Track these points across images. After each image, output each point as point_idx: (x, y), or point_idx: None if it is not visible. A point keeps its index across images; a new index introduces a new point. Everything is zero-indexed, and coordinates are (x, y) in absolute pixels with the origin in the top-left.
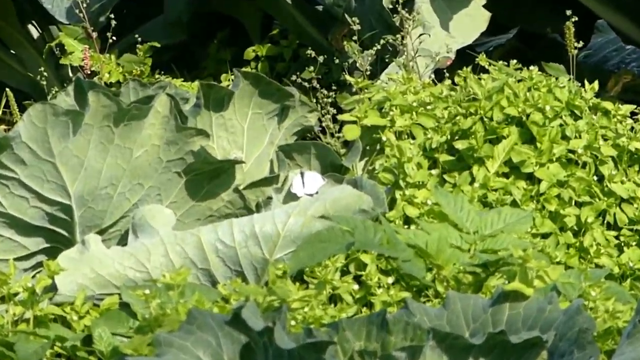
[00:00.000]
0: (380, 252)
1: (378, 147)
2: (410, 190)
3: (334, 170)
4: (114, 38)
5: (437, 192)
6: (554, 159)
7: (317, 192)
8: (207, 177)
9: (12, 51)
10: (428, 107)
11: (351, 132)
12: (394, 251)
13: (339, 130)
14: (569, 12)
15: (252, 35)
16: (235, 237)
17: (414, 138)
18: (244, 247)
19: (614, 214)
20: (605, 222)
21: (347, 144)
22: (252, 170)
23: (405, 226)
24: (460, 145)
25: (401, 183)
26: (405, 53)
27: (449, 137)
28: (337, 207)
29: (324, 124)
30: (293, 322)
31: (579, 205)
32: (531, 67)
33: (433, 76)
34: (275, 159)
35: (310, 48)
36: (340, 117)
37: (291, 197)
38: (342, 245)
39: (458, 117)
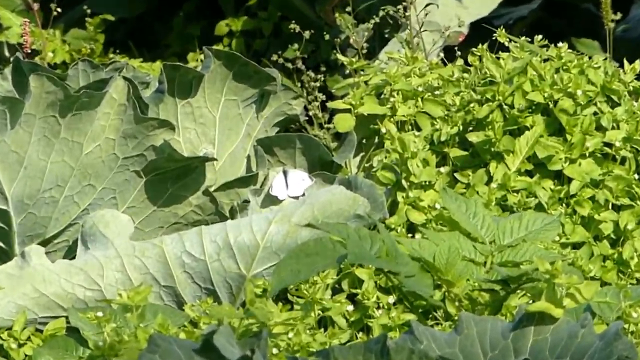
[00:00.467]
0: (379, 267)
1: (376, 140)
2: (415, 191)
3: (323, 168)
4: (59, 10)
5: (447, 194)
6: (587, 154)
7: (303, 195)
8: (171, 177)
9: None
10: (436, 92)
11: (344, 123)
12: (396, 265)
13: (329, 121)
14: None
15: (225, 6)
16: (206, 249)
17: (419, 129)
18: (215, 260)
19: None
20: None
21: (339, 136)
22: (225, 168)
23: (409, 235)
24: (474, 137)
25: (404, 183)
26: (409, 27)
27: (461, 128)
28: (327, 212)
29: (311, 113)
30: (275, 350)
31: (617, 209)
32: (559, 44)
33: (442, 55)
34: (253, 154)
35: (294, 22)
36: (330, 104)
37: (272, 200)
38: (333, 259)
39: (472, 104)
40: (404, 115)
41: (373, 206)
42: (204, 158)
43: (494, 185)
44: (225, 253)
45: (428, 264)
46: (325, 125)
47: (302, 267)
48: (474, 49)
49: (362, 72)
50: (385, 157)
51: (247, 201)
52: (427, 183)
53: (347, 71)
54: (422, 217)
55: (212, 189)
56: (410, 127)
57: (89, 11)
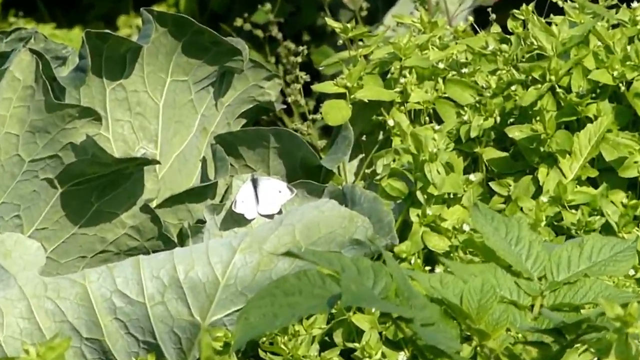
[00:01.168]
0: (385, 311)
1: (380, 136)
2: (435, 208)
3: (307, 175)
4: None
5: (479, 211)
6: None
7: (279, 212)
8: (97, 188)
9: None
10: (463, 70)
11: (336, 113)
12: (408, 309)
13: (316, 110)
14: None
15: None
16: (145, 287)
17: (440, 122)
18: (159, 303)
19: None
20: None
21: (329, 132)
22: (172, 175)
23: (427, 268)
24: (517, 133)
25: (419, 196)
26: None
27: (498, 119)
28: (314, 236)
29: (290, 99)
30: None
31: None
32: (634, 4)
33: (471, 19)
34: (211, 157)
35: None
36: (317, 87)
37: (237, 220)
38: (323, 300)
39: (514, 87)
40: (419, 103)
41: (377, 228)
42: (143, 161)
43: (544, 198)
44: (172, 293)
45: (453, 307)
46: (310, 117)
47: (278, 311)
48: (515, 10)
49: (360, 43)
50: (394, 161)
51: (201, 221)
52: (452, 196)
53: (340, 41)
54: (444, 243)
55: (153, 205)
56: (427, 119)
57: None
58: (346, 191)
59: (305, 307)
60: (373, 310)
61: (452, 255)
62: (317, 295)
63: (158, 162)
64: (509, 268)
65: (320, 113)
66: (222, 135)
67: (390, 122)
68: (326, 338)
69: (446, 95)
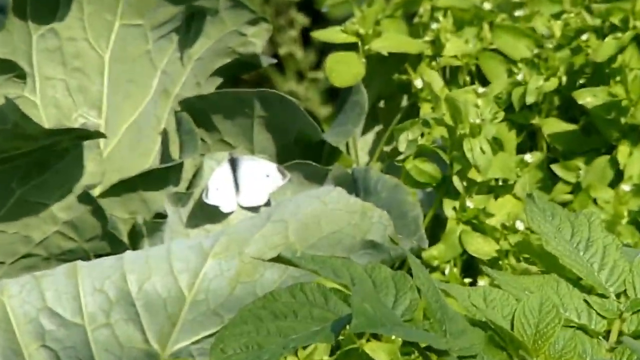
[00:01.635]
0: (410, 339)
1: (404, 102)
2: (478, 199)
3: (305, 154)
4: None
5: (536, 204)
6: None
7: (267, 203)
8: (20, 170)
9: None
10: (517, 12)
11: (344, 70)
12: (441, 336)
13: (317, 66)
14: None
15: None
16: (85, 304)
17: (485, 83)
18: (103, 325)
19: None
20: None
21: (334, 95)
22: (121, 153)
23: (467, 280)
24: (589, 99)
25: (457, 183)
26: None
27: (564, 80)
28: (313, 236)
29: (282, 52)
30: None
31: None
32: None
33: None
34: (174, 128)
35: None
36: (319, 34)
37: (209, 214)
38: (325, 325)
39: (585, 36)
40: (456, 57)
41: (399, 225)
42: (82, 133)
43: (625, 187)
44: (120, 312)
45: (502, 333)
46: (310, 75)
47: (265, 340)
48: None
49: None
50: (422, 135)
51: (161, 215)
52: (501, 183)
53: None
54: (490, 246)
55: (96, 193)
56: (468, 79)
57: None
58: (357, 176)
59: (301, 335)
60: (393, 337)
61: (500, 263)
62: (317, 318)
63: (103, 136)
64: (577, 281)
65: (323, 70)
66: (190, 100)
67: (418, 83)
68: None
69: (494, 46)
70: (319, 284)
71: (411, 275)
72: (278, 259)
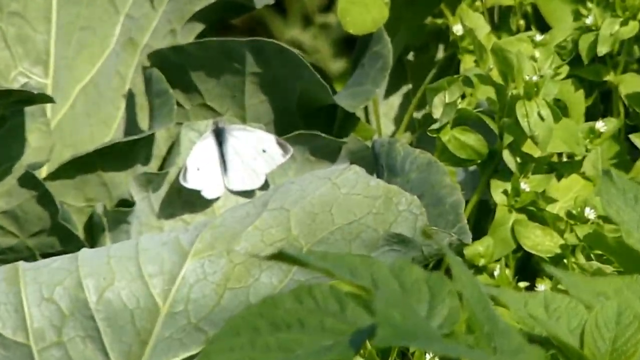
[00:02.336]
0: (449, 355)
1: (440, 53)
2: (536, 179)
3: (312, 122)
4: None
5: (612, 185)
6: None
7: (263, 187)
8: None
9: None
10: None
11: (362, 13)
12: (489, 353)
13: (328, 7)
14: None
15: None
16: (30, 317)
17: (545, 28)
18: (53, 344)
19: None
20: None
21: (350, 45)
22: (74, 123)
23: (522, 284)
24: None
25: (508, 159)
26: None
27: None
28: (322, 229)
29: None
30: None
31: None
32: None
33: None
34: (143, 90)
35: None
36: None
37: (188, 200)
38: (341, 339)
39: None
40: None
41: (434, 214)
42: (23, 96)
43: None
44: (75, 328)
45: (568, 350)
46: (318, 20)
47: (263, 355)
48: None
49: None
50: (463, 97)
51: (127, 203)
52: (565, 159)
53: None
54: (551, 240)
55: (42, 174)
56: (522, 23)
57: None
58: (379, 151)
59: (310, 351)
60: (428, 354)
61: (565, 261)
62: (330, 330)
63: (51, 100)
64: None
65: (336, 13)
66: (163, 53)
67: (457, 29)
68: None
69: None
70: (332, 287)
71: (450, 277)
72: (278, 257)
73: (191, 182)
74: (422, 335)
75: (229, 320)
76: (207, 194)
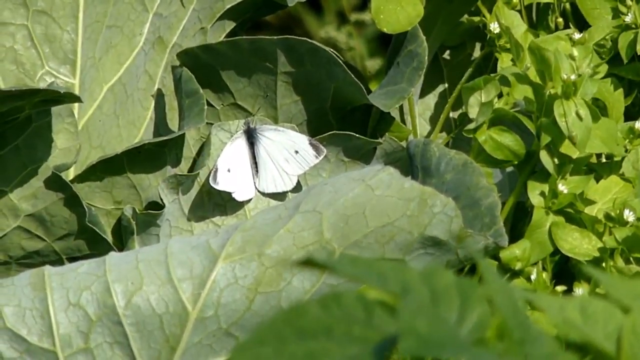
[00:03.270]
0: None
1: (476, 52)
2: (574, 181)
3: (346, 122)
4: None
5: None
6: None
7: (295, 189)
8: None
9: None
10: None
11: (397, 11)
12: None
13: (363, 6)
14: None
15: None
16: (56, 324)
17: (583, 26)
18: (80, 351)
19: None
20: None
21: (385, 43)
22: (102, 123)
23: (560, 287)
24: None
25: (545, 160)
26: None
27: None
28: (356, 232)
29: None
30: None
31: None
32: None
33: None
34: (172, 89)
35: None
36: None
37: (219, 203)
38: (368, 347)
39: None
40: None
41: (469, 217)
42: (50, 96)
43: None
44: (103, 333)
45: (605, 357)
46: (353, 18)
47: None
48: None
49: None
50: (500, 96)
51: (157, 205)
52: (604, 160)
53: None
54: (590, 243)
55: (69, 177)
56: (561, 21)
57: None
58: (414, 152)
59: (338, 357)
60: None
61: (603, 265)
62: (358, 338)
63: (78, 99)
64: None
65: (369, 10)
66: (193, 52)
67: (494, 27)
68: None
69: None
70: (359, 294)
71: (483, 282)
72: (308, 262)
73: (222, 184)
74: (448, 344)
75: (255, 328)
76: (238, 197)
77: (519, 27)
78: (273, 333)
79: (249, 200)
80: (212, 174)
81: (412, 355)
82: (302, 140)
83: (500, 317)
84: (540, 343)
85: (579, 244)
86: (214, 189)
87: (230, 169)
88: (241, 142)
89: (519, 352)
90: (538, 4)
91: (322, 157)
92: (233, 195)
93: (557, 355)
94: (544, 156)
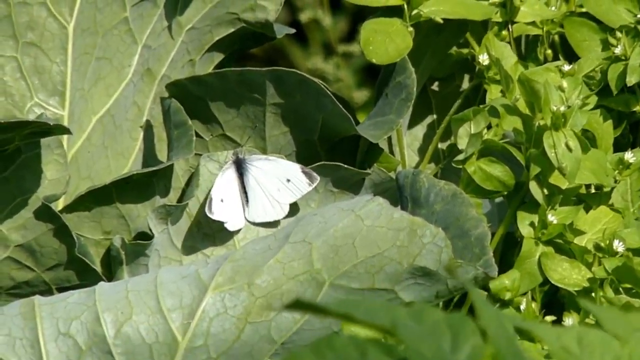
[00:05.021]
0: None
1: (465, 83)
2: (563, 212)
3: (335, 152)
4: None
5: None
6: None
7: (284, 217)
8: None
9: None
10: None
11: (386, 43)
12: None
13: (351, 37)
14: None
15: None
16: (46, 354)
17: (572, 58)
18: None
19: None
20: None
21: (373, 75)
22: (91, 154)
23: (549, 317)
24: None
25: (535, 191)
26: None
27: None
28: (346, 262)
29: (303, 17)
30: None
31: None
32: None
33: None
34: (161, 120)
35: None
36: None
37: (208, 233)
38: None
39: None
40: (534, 23)
41: (459, 247)
42: (40, 128)
43: None
44: None
45: None
46: (340, 49)
47: None
48: None
49: None
50: (489, 127)
51: (145, 236)
52: (593, 190)
53: None
54: (579, 273)
55: (59, 207)
56: (550, 53)
57: None
58: (403, 182)
59: None
60: None
61: (593, 295)
62: None
63: (67, 131)
64: None
65: (358, 42)
66: (182, 83)
67: (483, 59)
68: None
69: (583, 10)
70: (351, 336)
71: (475, 315)
72: (295, 306)
73: (217, 214)
74: None
75: None
76: (230, 227)
77: (509, 58)
78: None
79: (239, 231)
80: (207, 204)
81: None
82: (294, 169)
83: (493, 347)
84: None
85: (568, 274)
86: (205, 218)
87: (223, 199)
88: (231, 173)
89: None
90: (527, 36)
91: (315, 184)
92: (225, 225)
93: None
94: (533, 187)
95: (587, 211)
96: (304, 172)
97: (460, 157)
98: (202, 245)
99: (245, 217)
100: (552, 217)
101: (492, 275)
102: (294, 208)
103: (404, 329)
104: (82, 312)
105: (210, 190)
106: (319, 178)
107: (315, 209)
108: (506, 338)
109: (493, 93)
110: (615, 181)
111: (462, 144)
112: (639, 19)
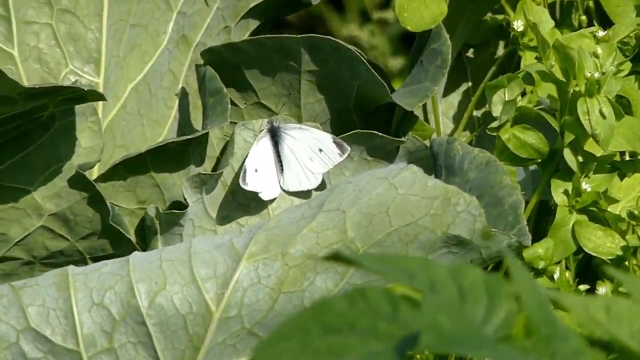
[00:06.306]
0: None
1: (500, 50)
2: (598, 179)
3: (368, 122)
4: None
5: None
6: None
7: (320, 187)
8: None
9: None
10: None
11: (420, 9)
12: (545, 357)
13: (386, 4)
14: None
15: None
16: (80, 324)
17: (608, 23)
18: (104, 351)
19: None
20: None
21: (408, 42)
22: (126, 122)
23: (582, 287)
24: None
25: (569, 158)
26: None
27: None
28: (379, 230)
29: None
30: None
31: None
32: None
33: None
34: (196, 88)
35: None
36: None
37: (243, 202)
38: (392, 343)
39: None
40: None
41: (493, 215)
42: (74, 94)
43: None
44: (126, 333)
45: (631, 355)
46: (376, 16)
47: (316, 358)
48: None
49: None
50: (524, 94)
51: (180, 205)
52: (628, 157)
53: None
54: (613, 242)
55: (93, 176)
56: (585, 18)
57: None
58: (437, 150)
59: (360, 355)
60: None
61: (626, 263)
62: (383, 334)
63: (102, 98)
64: None
65: (393, 9)
66: (217, 50)
67: (518, 25)
68: None
69: None
70: (386, 289)
71: (508, 279)
72: (334, 258)
73: (250, 185)
74: (469, 340)
75: (281, 323)
76: (264, 196)
77: (546, 23)
78: (298, 328)
79: (273, 200)
80: (241, 175)
81: (434, 351)
82: (326, 139)
83: (526, 314)
84: (567, 340)
85: (602, 243)
86: (240, 187)
87: (257, 169)
88: (265, 142)
89: (546, 349)
90: (561, 1)
91: (346, 155)
92: (259, 194)
93: (583, 352)
94: (567, 154)
95: (621, 179)
96: (335, 142)
97: (495, 124)
98: (236, 215)
99: (280, 186)
100: (586, 185)
101: (525, 244)
102: (328, 178)
103: (439, 291)
104: (115, 282)
105: (244, 160)
106: (349, 148)
107: (350, 177)
108: (540, 305)
109: (527, 59)
110: None
111: (496, 111)
112: None
